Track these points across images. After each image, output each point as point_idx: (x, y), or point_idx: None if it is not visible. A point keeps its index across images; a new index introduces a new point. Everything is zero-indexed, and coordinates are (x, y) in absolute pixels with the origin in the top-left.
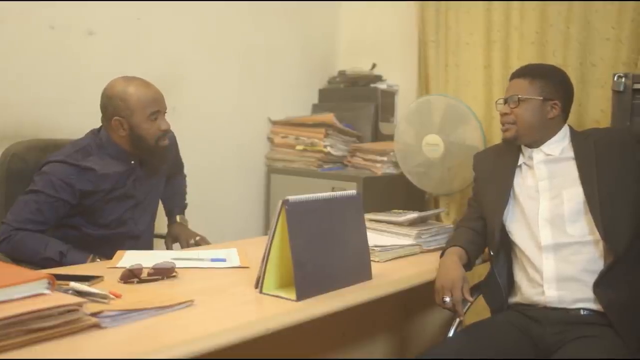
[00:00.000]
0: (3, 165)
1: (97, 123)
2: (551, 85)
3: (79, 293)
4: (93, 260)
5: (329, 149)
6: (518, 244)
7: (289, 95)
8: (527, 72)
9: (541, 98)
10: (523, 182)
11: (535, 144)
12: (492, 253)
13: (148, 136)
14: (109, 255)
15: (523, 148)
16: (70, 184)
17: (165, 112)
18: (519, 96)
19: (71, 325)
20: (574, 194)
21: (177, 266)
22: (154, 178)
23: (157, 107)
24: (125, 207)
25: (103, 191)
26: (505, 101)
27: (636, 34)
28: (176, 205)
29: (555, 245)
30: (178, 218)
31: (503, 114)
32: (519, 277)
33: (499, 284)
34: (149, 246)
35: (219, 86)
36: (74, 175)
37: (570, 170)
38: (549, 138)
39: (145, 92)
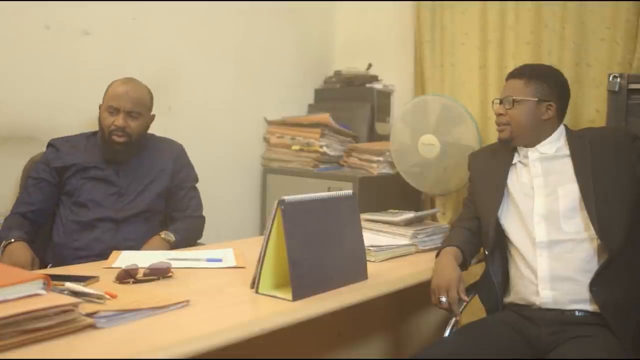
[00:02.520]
0: (25, 172)
1: (92, 122)
2: (546, 86)
3: (75, 293)
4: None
5: (325, 149)
6: (513, 241)
7: (284, 95)
8: (523, 73)
9: (536, 99)
10: (518, 180)
11: (531, 144)
12: (486, 252)
13: (103, 126)
14: (85, 242)
15: (518, 147)
16: (48, 163)
17: (132, 113)
18: (514, 97)
19: (67, 326)
20: (569, 191)
21: (172, 266)
22: (146, 176)
23: (115, 103)
24: (106, 193)
25: (75, 166)
26: (501, 101)
27: (631, 34)
28: (170, 229)
29: (550, 242)
30: (162, 233)
31: (498, 115)
32: (514, 276)
33: (494, 284)
34: (135, 240)
35: (214, 86)
36: (51, 155)
37: (566, 168)
38: (545, 138)
39: (117, 87)
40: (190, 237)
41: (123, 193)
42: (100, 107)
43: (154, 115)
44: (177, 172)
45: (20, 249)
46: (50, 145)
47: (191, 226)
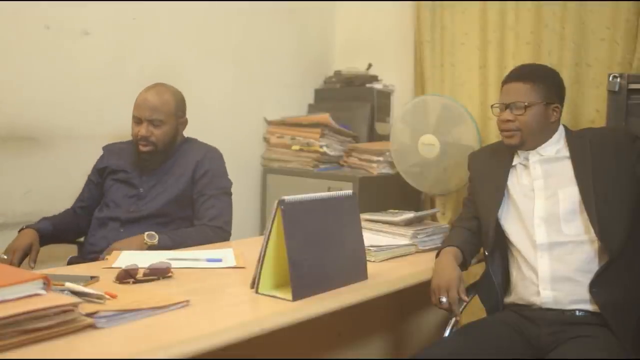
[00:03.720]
0: None
1: (91, 123)
2: (551, 88)
3: (75, 293)
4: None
5: (325, 149)
6: (513, 243)
7: (284, 95)
8: (527, 76)
9: (544, 103)
10: (518, 182)
11: (535, 146)
12: (486, 253)
13: (132, 135)
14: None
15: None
16: (96, 165)
17: (153, 121)
18: (525, 103)
19: (66, 326)
20: (569, 193)
21: (172, 266)
22: (166, 181)
23: (137, 112)
24: (127, 194)
25: (108, 169)
26: (507, 107)
27: (631, 34)
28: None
29: (550, 244)
30: (146, 234)
31: (506, 121)
32: (515, 276)
33: (494, 284)
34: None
35: (214, 86)
36: (100, 158)
37: (566, 170)
38: (548, 140)
39: (140, 96)
40: (192, 245)
41: (143, 196)
42: None
43: (186, 120)
44: (198, 178)
45: (23, 235)
46: (104, 149)
47: (198, 234)
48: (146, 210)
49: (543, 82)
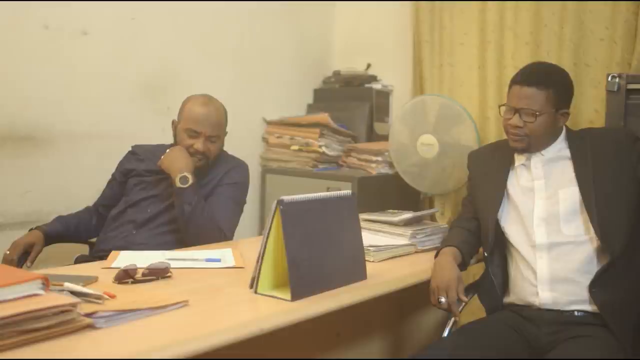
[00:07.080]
0: None
1: (91, 123)
2: (564, 94)
3: (74, 293)
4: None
5: (323, 149)
6: (513, 243)
7: (283, 95)
8: (543, 81)
9: (554, 110)
10: (518, 182)
11: (539, 150)
12: (486, 254)
13: (182, 146)
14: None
15: None
16: (122, 164)
17: (212, 137)
18: (537, 112)
19: (65, 326)
20: (570, 194)
21: (171, 266)
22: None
23: (195, 127)
24: (147, 195)
25: (134, 171)
26: (516, 111)
27: (630, 34)
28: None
29: (550, 244)
30: (179, 177)
31: (515, 127)
32: (514, 277)
33: (494, 284)
34: (143, 245)
35: (213, 86)
36: (126, 157)
37: (566, 170)
38: (552, 142)
39: (197, 109)
40: (194, 227)
41: (163, 199)
42: (174, 123)
43: (227, 132)
44: (223, 184)
45: (29, 234)
46: (131, 150)
47: (206, 220)
48: (171, 214)
49: (557, 89)
